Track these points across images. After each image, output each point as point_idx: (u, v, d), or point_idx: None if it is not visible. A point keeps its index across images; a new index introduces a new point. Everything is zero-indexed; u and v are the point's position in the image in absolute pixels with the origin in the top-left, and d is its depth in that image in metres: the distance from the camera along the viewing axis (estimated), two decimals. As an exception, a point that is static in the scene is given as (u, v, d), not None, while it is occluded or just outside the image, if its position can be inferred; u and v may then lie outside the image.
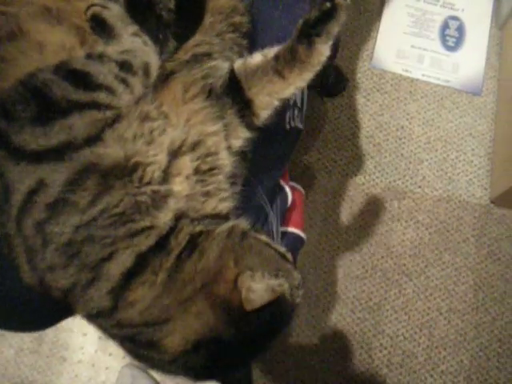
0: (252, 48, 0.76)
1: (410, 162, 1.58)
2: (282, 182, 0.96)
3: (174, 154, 0.62)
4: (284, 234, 0.95)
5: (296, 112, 0.95)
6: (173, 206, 0.60)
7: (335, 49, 1.38)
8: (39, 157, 0.56)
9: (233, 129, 0.69)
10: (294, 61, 0.68)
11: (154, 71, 0.65)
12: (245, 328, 0.59)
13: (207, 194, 0.64)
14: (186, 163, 0.62)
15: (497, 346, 1.50)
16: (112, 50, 0.63)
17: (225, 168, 0.67)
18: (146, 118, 0.61)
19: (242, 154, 0.72)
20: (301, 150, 1.56)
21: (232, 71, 0.72)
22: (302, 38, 0.68)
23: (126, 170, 0.58)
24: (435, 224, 1.55)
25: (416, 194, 1.56)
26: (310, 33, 0.67)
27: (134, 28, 0.66)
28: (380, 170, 1.57)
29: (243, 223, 0.65)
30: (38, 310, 0.74)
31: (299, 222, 1.00)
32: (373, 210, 1.54)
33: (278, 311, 0.60)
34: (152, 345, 0.59)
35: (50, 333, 1.45)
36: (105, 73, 0.60)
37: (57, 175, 0.56)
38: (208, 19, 0.73)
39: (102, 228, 0.56)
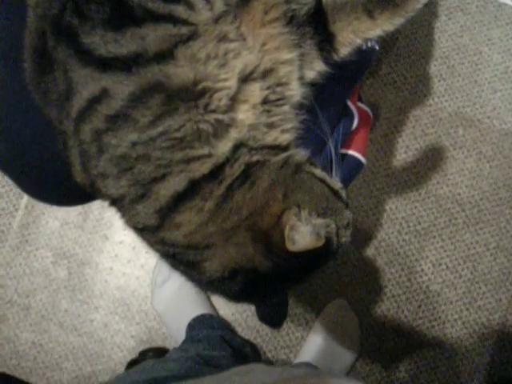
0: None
1: (483, 90, 1.50)
2: (350, 104, 0.90)
3: (245, 79, 0.58)
4: (344, 156, 0.91)
5: None
6: (234, 135, 0.57)
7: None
8: (106, 64, 0.54)
9: (309, 60, 0.65)
10: (387, 3, 0.63)
11: None
12: (283, 264, 0.58)
13: (271, 125, 0.60)
14: (256, 91, 0.58)
15: (538, 291, 1.47)
16: None
17: (293, 99, 0.63)
18: (223, 38, 0.57)
19: (312, 85, 0.67)
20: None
21: (319, 0, 0.65)
22: None
23: (193, 94, 0.55)
24: (498, 158, 1.48)
25: (483, 124, 1.48)
26: None
27: None
28: (450, 94, 1.49)
29: (300, 154, 0.62)
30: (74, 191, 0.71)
31: (361, 146, 0.95)
32: (436, 133, 1.47)
33: (320, 251, 0.58)
34: (192, 265, 0.60)
35: (95, 210, 1.43)
36: None
37: (121, 88, 0.53)
38: None
39: (159, 149, 0.55)
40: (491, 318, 1.45)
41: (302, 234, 0.55)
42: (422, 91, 1.48)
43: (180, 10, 0.55)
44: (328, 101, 0.78)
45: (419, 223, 1.45)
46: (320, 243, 0.56)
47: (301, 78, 0.64)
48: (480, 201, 1.47)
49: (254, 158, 0.59)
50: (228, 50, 0.57)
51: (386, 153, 1.46)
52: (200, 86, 0.55)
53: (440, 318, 1.44)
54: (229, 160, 0.57)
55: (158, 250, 0.63)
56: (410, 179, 1.46)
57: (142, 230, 0.61)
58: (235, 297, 0.63)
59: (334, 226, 0.59)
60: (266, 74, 0.60)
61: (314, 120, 0.71)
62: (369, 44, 0.86)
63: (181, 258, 0.61)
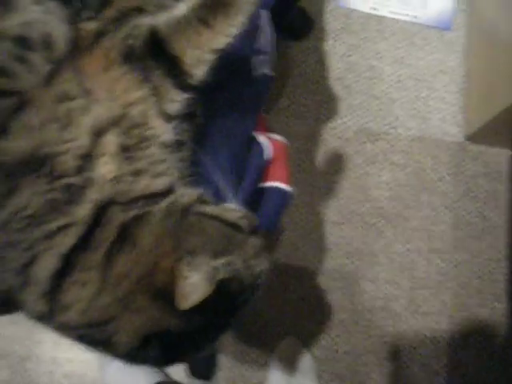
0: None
1: (382, 103, 1.53)
2: (258, 135, 0.88)
3: (98, 133, 0.54)
4: (262, 190, 0.86)
5: (261, 57, 0.85)
6: (93, 196, 0.53)
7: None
8: None
9: (165, 92, 0.60)
10: (216, 5, 0.59)
11: (61, 42, 0.56)
12: (197, 317, 0.54)
13: (137, 173, 0.56)
14: (111, 141, 0.55)
15: (477, 284, 1.49)
16: (8, 23, 0.55)
17: (159, 138, 0.59)
18: (64, 98, 0.54)
19: (187, 116, 0.64)
20: (270, 96, 1.50)
21: (154, 28, 0.61)
22: None
23: (34, 165, 0.51)
24: (410, 164, 1.51)
25: (389, 135, 1.52)
26: None
27: None
28: (352, 113, 1.52)
29: (187, 195, 0.59)
30: None
31: (282, 175, 0.90)
32: (347, 153, 1.50)
33: (228, 295, 0.55)
34: (103, 343, 0.56)
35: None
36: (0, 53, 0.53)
37: None
38: None
39: (17, 231, 0.52)
40: (439, 320, 1.46)
41: (194, 285, 0.51)
42: (325, 115, 1.51)
43: (0, 82, 0.53)
44: (230, 136, 0.76)
45: (349, 244, 1.46)
46: (215, 283, 0.52)
47: (164, 113, 0.60)
48: (403, 210, 1.49)
49: (131, 214, 0.55)
50: (71, 109, 0.53)
51: (302, 182, 1.47)
52: (40, 154, 0.52)
53: (390, 332, 1.45)
54: (97, 223, 0.53)
55: (67, 337, 0.58)
56: (331, 203, 1.48)
57: (39, 320, 0.57)
58: (159, 362, 0.60)
59: (238, 261, 0.55)
60: (118, 119, 0.56)
61: (206, 154, 0.68)
62: (260, 71, 0.86)
63: (89, 339, 0.57)
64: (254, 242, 0.59)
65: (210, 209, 0.58)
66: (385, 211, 1.48)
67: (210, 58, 0.62)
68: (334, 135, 1.50)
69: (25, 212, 0.51)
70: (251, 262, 0.57)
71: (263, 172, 0.85)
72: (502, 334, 1.47)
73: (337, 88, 1.53)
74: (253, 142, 0.85)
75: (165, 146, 0.59)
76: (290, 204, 0.88)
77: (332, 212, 1.47)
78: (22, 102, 0.52)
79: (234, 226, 0.58)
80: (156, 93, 0.59)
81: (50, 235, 0.52)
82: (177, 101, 0.61)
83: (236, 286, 0.55)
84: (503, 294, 1.49)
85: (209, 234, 0.56)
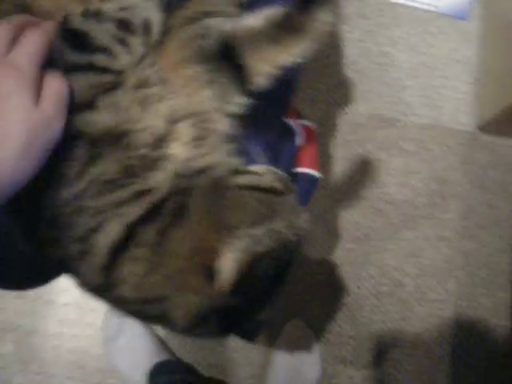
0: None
1: (394, 90, 1.53)
2: (289, 122, 0.89)
3: (173, 121, 0.58)
4: (292, 175, 0.88)
5: None
6: (168, 167, 0.56)
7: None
8: None
9: (228, 94, 0.65)
10: (293, 29, 0.63)
11: (157, 28, 0.59)
12: (246, 292, 0.55)
13: (201, 156, 0.60)
14: (184, 130, 0.59)
15: (484, 273, 1.49)
16: (110, 6, 0.58)
17: (219, 132, 0.63)
18: (143, 83, 0.57)
19: (241, 117, 0.67)
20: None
21: (228, 34, 0.65)
22: (301, 5, 0.62)
23: (114, 138, 0.54)
24: (421, 152, 1.51)
25: (401, 122, 1.51)
26: (314, 1, 0.62)
27: None
28: (363, 98, 1.52)
29: (222, 166, 0.60)
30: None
31: (311, 161, 0.93)
32: (357, 139, 1.49)
33: (275, 262, 0.56)
34: (160, 319, 0.57)
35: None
36: (102, 33, 0.56)
37: None
38: None
39: (91, 198, 0.53)
40: (444, 308, 1.46)
41: (232, 263, 0.52)
42: (337, 101, 1.51)
43: (100, 59, 0.55)
44: (263, 124, 0.77)
45: (358, 229, 1.46)
46: (250, 259, 0.52)
47: (226, 113, 0.64)
48: (412, 197, 1.49)
49: (183, 185, 0.57)
50: (148, 95, 0.56)
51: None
52: (121, 128, 0.55)
53: (394, 317, 1.45)
54: (167, 197, 0.55)
55: (122, 311, 0.60)
56: (340, 189, 1.47)
57: (95, 291, 0.58)
58: (215, 335, 0.61)
59: (280, 224, 0.56)
60: (190, 113, 0.60)
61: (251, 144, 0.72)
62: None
63: (144, 314, 0.58)
64: (290, 200, 0.60)
65: (243, 179, 0.60)
66: (394, 198, 1.48)
67: (273, 71, 0.65)
68: (346, 120, 1.50)
69: (104, 177, 0.53)
70: (292, 221, 0.58)
71: (295, 158, 0.88)
72: (506, 323, 1.47)
73: (349, 73, 1.52)
74: (285, 129, 0.87)
75: (223, 138, 0.64)
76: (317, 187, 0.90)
77: (340, 197, 1.47)
78: (116, 82, 0.55)
79: (270, 190, 0.59)
80: (222, 94, 0.63)
81: (122, 202, 0.54)
82: (238, 103, 0.65)
83: (282, 251, 0.56)
84: (508, 285, 1.49)
85: (246, 205, 0.56)
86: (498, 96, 1.45)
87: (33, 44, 0.53)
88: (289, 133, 0.87)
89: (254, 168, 0.63)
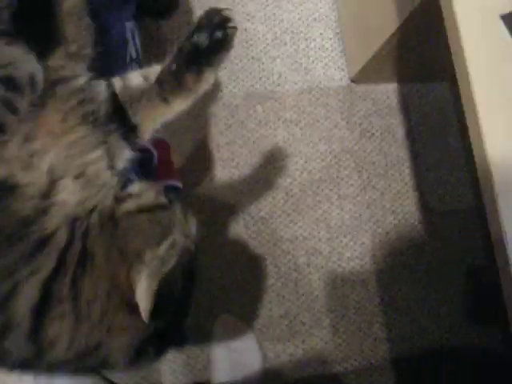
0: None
1: (263, 63, 1.52)
2: (145, 144, 0.88)
3: (55, 179, 0.57)
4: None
5: (134, 65, 0.88)
6: (60, 212, 0.56)
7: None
8: None
9: (117, 152, 0.66)
10: (180, 87, 0.66)
11: (41, 82, 0.56)
12: (167, 311, 0.57)
13: (92, 197, 0.60)
14: (68, 187, 0.58)
15: (392, 219, 1.52)
16: None
17: (107, 187, 0.63)
18: (28, 137, 0.56)
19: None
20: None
21: (114, 96, 0.68)
22: (190, 64, 0.65)
23: (8, 189, 0.53)
24: (303, 118, 1.51)
25: (277, 94, 1.50)
26: (199, 61, 0.65)
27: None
28: (235, 79, 1.49)
29: (106, 200, 0.61)
30: None
31: (170, 173, 0.99)
32: (239, 120, 1.47)
33: (180, 272, 0.58)
34: (102, 366, 0.58)
35: None
36: None
37: None
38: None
39: None
40: (363, 262, 1.48)
41: (148, 288, 0.53)
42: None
43: None
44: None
45: (260, 210, 1.45)
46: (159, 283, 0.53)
47: (112, 169, 0.64)
48: (305, 163, 1.49)
49: (81, 229, 0.57)
50: (33, 150, 0.55)
51: (200, 157, 1.44)
52: (12, 182, 0.54)
53: (319, 285, 1.45)
54: (70, 243, 0.55)
55: (62, 374, 0.59)
56: (232, 173, 1.46)
57: (27, 365, 0.56)
58: (159, 358, 0.61)
59: (178, 236, 0.58)
60: (77, 175, 0.59)
61: None
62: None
63: (85, 368, 0.58)
64: (178, 209, 0.61)
65: (128, 205, 0.60)
66: (287, 169, 1.48)
67: (159, 126, 0.70)
68: (223, 105, 1.47)
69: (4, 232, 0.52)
70: (185, 229, 0.60)
71: (153, 176, 0.91)
72: (423, 258, 1.51)
73: (214, 57, 1.49)
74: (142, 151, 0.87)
75: (109, 186, 0.64)
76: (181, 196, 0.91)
77: (235, 181, 1.45)
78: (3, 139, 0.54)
79: (156, 207, 0.60)
80: (109, 153, 0.64)
81: (29, 256, 0.52)
82: (125, 159, 0.67)
83: (184, 260, 0.58)
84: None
85: (141, 229, 0.57)
86: (362, 45, 1.46)
87: None
88: (147, 159, 0.88)
89: (131, 190, 0.64)
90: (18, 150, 0.55)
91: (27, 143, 0.56)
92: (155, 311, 0.53)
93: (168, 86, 0.67)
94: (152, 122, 0.69)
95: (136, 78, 0.70)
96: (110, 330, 0.54)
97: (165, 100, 0.67)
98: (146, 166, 0.87)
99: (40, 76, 0.56)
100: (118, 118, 0.67)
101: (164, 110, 0.68)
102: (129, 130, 0.68)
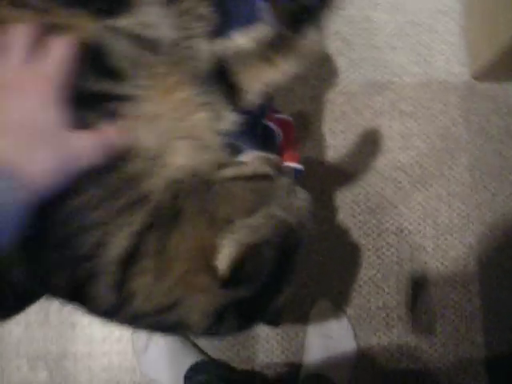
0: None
1: (383, 52, 1.50)
2: (267, 123, 0.90)
3: (165, 141, 0.57)
4: None
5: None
6: (164, 174, 0.56)
7: None
8: None
9: (220, 113, 0.65)
10: (285, 49, 0.64)
11: (165, 46, 0.60)
12: (253, 281, 0.55)
13: (197, 161, 0.60)
14: (176, 149, 0.58)
15: (501, 222, 1.48)
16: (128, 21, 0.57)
17: (212, 148, 0.62)
18: (145, 99, 0.57)
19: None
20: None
21: (219, 55, 0.66)
22: (294, 25, 0.63)
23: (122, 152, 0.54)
24: (420, 111, 1.48)
25: (395, 84, 1.48)
26: (303, 19, 0.63)
27: None
28: (354, 66, 1.48)
29: (208, 162, 0.60)
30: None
31: (292, 155, 0.97)
32: (354, 108, 1.46)
33: (275, 245, 0.55)
34: (179, 326, 0.57)
35: (53, 302, 1.38)
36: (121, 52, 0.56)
37: None
38: None
39: (93, 210, 0.52)
40: (467, 263, 1.45)
41: (231, 252, 0.52)
42: (327, 73, 1.47)
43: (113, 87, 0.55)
44: (248, 135, 0.77)
45: (368, 200, 1.44)
46: (248, 249, 0.52)
47: (215, 131, 0.64)
48: (418, 158, 1.47)
49: (177, 190, 0.57)
50: (144, 114, 0.56)
51: (313, 142, 1.44)
52: (129, 145, 0.54)
53: (420, 283, 1.44)
54: (160, 202, 0.55)
55: (139, 327, 0.59)
56: (344, 160, 1.45)
57: (107, 314, 0.57)
58: (241, 329, 0.60)
59: (276, 208, 0.56)
60: (183, 138, 0.59)
61: None
62: None
63: (162, 325, 0.57)
64: (283, 182, 0.60)
65: (228, 172, 0.59)
66: (399, 162, 1.46)
67: (264, 89, 0.67)
68: (339, 92, 1.47)
69: (104, 189, 0.53)
70: (288, 202, 0.58)
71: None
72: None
73: (336, 43, 1.49)
74: (267, 133, 0.89)
75: (212, 149, 0.63)
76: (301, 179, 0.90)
77: (346, 168, 1.45)
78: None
79: (258, 176, 0.59)
80: (214, 115, 0.63)
81: (122, 211, 0.53)
82: (228, 121, 0.66)
83: (282, 234, 0.55)
84: (528, 229, 1.48)
85: (236, 196, 0.56)
86: (487, 41, 1.42)
87: (61, 55, 0.51)
88: (270, 137, 0.89)
89: (238, 158, 0.64)
90: (138, 111, 0.56)
91: (145, 103, 0.57)
92: (236, 280, 0.52)
93: (274, 47, 0.65)
94: (257, 83, 0.67)
95: (238, 39, 0.68)
96: (190, 289, 0.54)
97: (269, 60, 0.65)
98: (268, 145, 0.87)
99: (166, 39, 0.59)
100: (221, 77, 0.66)
101: (270, 72, 0.66)
102: (231, 92, 0.66)
